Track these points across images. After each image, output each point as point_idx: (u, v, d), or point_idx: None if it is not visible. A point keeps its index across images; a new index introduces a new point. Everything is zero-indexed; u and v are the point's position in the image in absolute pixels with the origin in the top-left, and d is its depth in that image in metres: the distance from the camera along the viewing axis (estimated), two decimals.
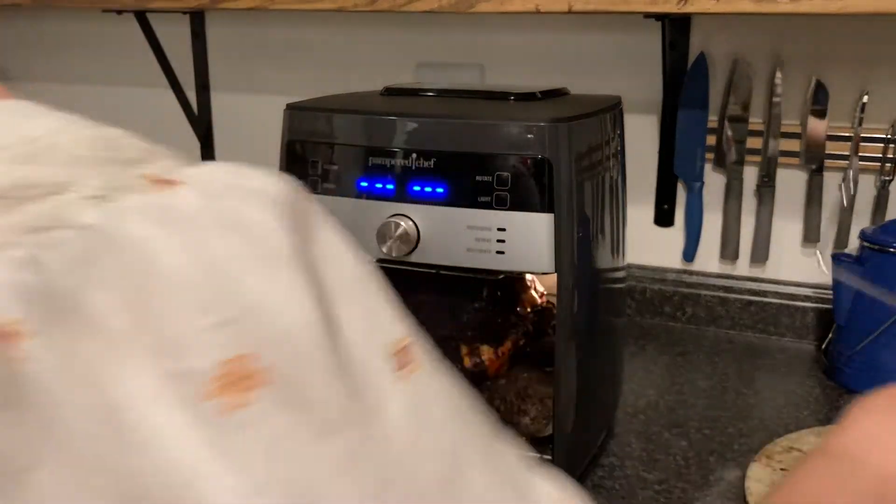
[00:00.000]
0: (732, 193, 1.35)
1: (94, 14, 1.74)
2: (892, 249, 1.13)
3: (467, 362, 0.94)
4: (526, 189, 0.80)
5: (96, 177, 0.30)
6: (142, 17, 1.57)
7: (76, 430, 0.26)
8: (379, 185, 0.85)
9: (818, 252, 1.33)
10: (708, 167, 1.36)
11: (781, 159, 1.32)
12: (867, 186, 1.29)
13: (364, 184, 0.86)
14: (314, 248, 0.33)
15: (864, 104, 1.25)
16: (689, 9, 0.99)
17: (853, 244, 1.29)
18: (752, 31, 1.30)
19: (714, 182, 1.37)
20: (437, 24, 1.48)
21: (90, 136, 0.33)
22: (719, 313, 1.39)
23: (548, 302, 1.01)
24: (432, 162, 0.83)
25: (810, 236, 1.33)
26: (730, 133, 1.33)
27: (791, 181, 1.33)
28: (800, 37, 1.28)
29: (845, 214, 1.30)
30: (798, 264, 1.36)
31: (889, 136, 1.25)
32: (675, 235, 1.42)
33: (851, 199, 1.29)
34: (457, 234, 0.83)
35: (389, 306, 0.35)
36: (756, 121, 1.33)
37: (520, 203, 0.80)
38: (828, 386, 1.19)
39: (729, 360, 1.28)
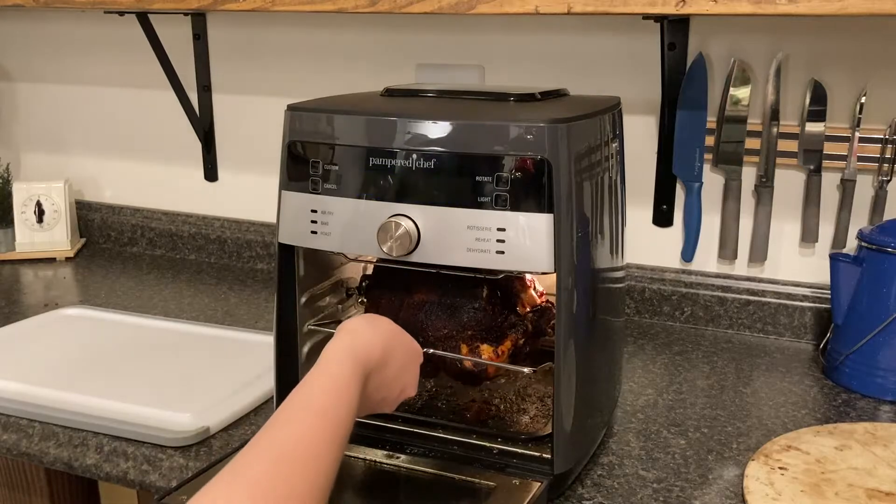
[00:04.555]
0: (731, 194, 1.35)
1: (96, 15, 1.75)
2: (889, 249, 1.14)
3: (467, 362, 0.94)
4: (526, 189, 0.81)
5: None
6: (143, 18, 1.57)
7: None
8: (379, 186, 0.86)
9: None
10: (706, 167, 1.37)
11: (780, 160, 1.33)
12: (865, 187, 1.30)
13: (365, 184, 0.86)
14: None
15: (862, 105, 1.26)
16: (687, 10, 0.99)
17: (851, 244, 1.30)
18: (750, 32, 1.31)
19: (712, 182, 1.38)
20: (437, 26, 1.49)
21: None
22: (718, 313, 1.40)
23: (547, 301, 1.02)
24: (432, 162, 0.83)
25: (808, 236, 1.33)
26: (728, 133, 1.34)
27: (789, 181, 1.34)
28: (798, 38, 1.29)
29: (843, 214, 1.30)
30: (796, 264, 1.37)
31: (887, 137, 1.26)
32: (674, 235, 1.42)
33: (849, 200, 1.30)
34: (457, 234, 0.83)
35: None
36: (754, 121, 1.33)
37: (519, 203, 0.81)
38: (826, 385, 1.19)
39: (727, 360, 1.28)
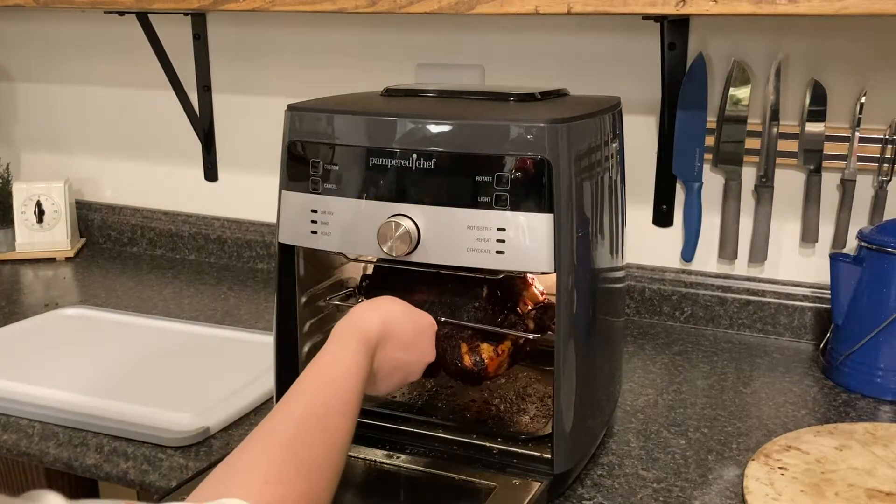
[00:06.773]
0: (731, 194, 1.35)
1: (96, 15, 1.75)
2: (889, 249, 1.14)
3: (467, 361, 0.94)
4: (526, 189, 0.81)
5: None
6: (143, 18, 1.58)
7: None
8: (379, 186, 0.86)
9: None
10: (706, 167, 1.37)
11: (780, 160, 1.33)
12: (865, 187, 1.30)
13: (365, 184, 0.86)
14: None
15: (862, 105, 1.26)
16: (687, 10, 0.99)
17: (851, 244, 1.30)
18: (750, 32, 1.31)
19: (712, 182, 1.38)
20: (437, 26, 1.49)
21: None
22: (718, 313, 1.40)
23: (547, 300, 1.02)
24: (432, 162, 0.84)
25: (808, 236, 1.33)
26: (728, 134, 1.34)
27: (789, 181, 1.34)
28: (798, 38, 1.29)
29: (843, 214, 1.30)
30: (796, 264, 1.37)
31: (887, 137, 1.26)
32: (674, 235, 1.42)
33: (849, 200, 1.30)
34: (457, 234, 0.83)
35: None
36: (754, 121, 1.33)
37: (520, 203, 0.81)
38: (825, 385, 1.19)
39: (727, 360, 1.28)
